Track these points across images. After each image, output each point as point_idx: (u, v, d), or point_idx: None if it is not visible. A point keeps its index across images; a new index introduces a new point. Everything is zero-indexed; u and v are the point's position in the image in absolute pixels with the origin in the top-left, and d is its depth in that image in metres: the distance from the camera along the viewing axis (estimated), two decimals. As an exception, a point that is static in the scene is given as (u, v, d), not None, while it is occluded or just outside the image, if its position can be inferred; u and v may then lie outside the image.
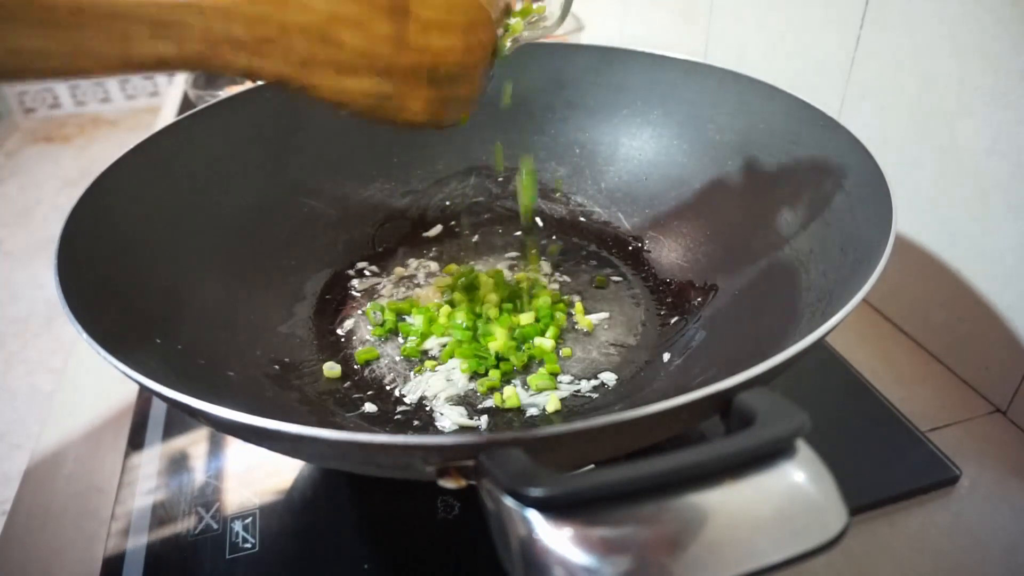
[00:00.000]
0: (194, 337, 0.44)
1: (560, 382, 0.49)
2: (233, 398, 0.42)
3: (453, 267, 0.60)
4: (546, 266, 0.60)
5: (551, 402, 0.47)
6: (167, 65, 0.31)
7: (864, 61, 0.58)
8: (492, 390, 0.48)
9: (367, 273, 0.60)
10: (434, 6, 0.37)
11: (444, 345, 0.52)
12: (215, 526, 0.44)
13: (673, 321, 0.52)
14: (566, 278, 0.58)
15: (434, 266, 0.61)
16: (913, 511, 0.44)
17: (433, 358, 0.51)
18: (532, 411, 0.47)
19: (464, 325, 0.52)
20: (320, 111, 0.61)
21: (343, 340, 0.53)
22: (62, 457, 0.50)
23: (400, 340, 0.53)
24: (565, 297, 0.56)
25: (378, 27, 0.35)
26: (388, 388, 0.49)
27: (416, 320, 0.54)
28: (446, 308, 0.54)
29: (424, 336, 0.52)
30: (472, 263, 0.61)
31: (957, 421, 0.51)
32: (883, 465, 0.46)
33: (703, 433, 0.45)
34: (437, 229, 0.64)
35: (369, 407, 0.47)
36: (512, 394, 0.47)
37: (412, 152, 0.65)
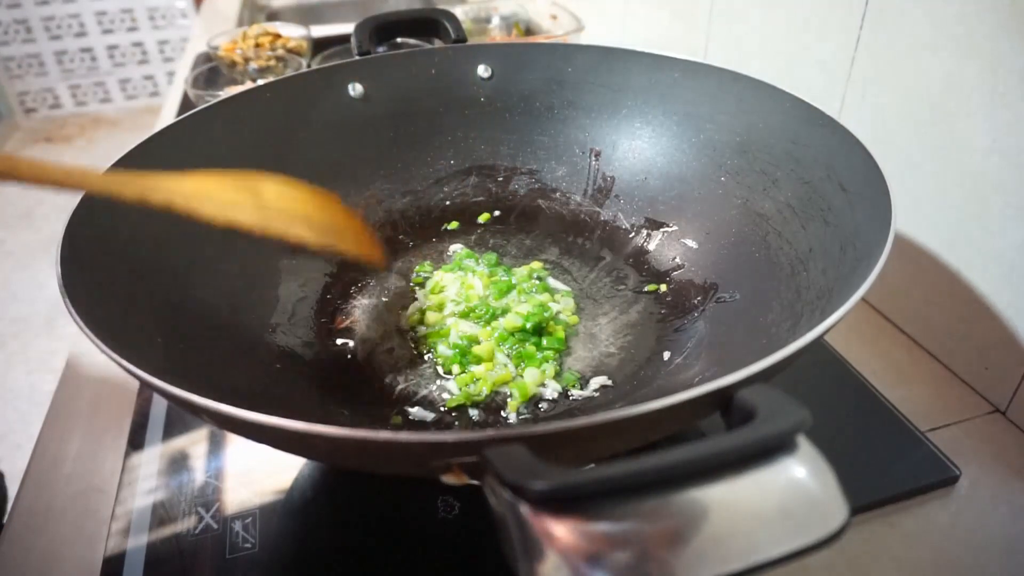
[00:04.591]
0: (196, 336, 0.44)
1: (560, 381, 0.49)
2: (235, 396, 0.42)
3: (425, 266, 0.60)
4: (537, 265, 0.60)
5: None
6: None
7: (864, 61, 0.58)
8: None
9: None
10: (274, 192, 0.43)
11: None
12: (215, 526, 0.44)
13: (673, 320, 0.52)
14: (565, 278, 0.59)
15: (434, 266, 0.61)
16: (913, 511, 0.44)
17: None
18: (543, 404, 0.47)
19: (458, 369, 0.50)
20: (319, 112, 0.62)
21: (343, 339, 0.53)
22: (62, 457, 0.50)
23: (402, 338, 0.53)
24: (563, 289, 0.56)
25: (236, 197, 0.42)
26: (390, 385, 0.49)
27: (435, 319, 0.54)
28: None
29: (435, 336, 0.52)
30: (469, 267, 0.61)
31: (956, 421, 0.51)
32: (883, 465, 0.46)
33: (703, 433, 0.46)
34: (438, 229, 0.64)
35: (372, 405, 0.47)
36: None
37: (412, 152, 0.65)
